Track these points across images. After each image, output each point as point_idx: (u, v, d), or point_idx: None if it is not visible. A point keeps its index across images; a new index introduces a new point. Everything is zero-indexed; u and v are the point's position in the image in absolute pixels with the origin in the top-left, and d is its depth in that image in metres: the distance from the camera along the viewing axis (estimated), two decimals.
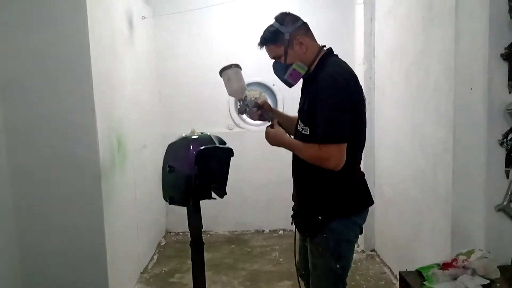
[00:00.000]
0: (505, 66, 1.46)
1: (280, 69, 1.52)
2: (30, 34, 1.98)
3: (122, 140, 2.53)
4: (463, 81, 1.63)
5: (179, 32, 3.66)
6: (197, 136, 1.72)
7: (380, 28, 2.99)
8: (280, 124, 1.59)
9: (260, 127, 3.78)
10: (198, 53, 3.66)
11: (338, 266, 1.49)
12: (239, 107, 1.68)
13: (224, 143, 1.80)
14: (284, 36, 1.46)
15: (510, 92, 1.46)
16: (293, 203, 1.61)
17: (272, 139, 1.55)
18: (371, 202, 1.57)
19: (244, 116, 3.72)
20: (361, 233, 1.55)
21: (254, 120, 1.72)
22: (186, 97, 3.72)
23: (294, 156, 1.55)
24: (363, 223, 1.56)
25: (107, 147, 2.22)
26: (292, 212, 1.61)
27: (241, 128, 3.76)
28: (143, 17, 3.24)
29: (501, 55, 1.45)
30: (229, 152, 1.78)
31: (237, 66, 1.66)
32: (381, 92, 3.02)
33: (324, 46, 1.54)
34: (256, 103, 1.64)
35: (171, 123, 3.64)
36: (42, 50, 1.99)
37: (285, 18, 1.50)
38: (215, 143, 1.73)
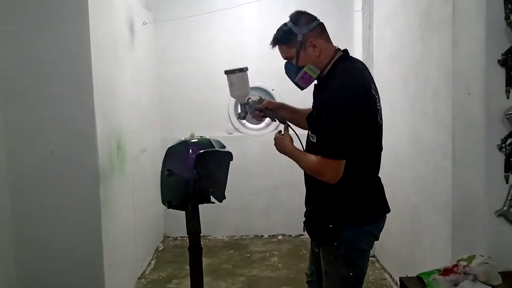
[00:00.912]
0: (502, 72, 1.47)
1: (292, 71, 1.46)
2: (31, 38, 1.98)
3: (122, 144, 2.52)
4: (461, 87, 1.64)
5: (180, 37, 3.68)
6: (196, 140, 1.72)
7: (379, 35, 3.01)
8: (284, 121, 1.58)
9: (259, 131, 3.79)
10: (198, 58, 3.68)
11: (350, 274, 1.44)
12: (239, 111, 1.67)
13: (224, 147, 1.80)
14: (297, 37, 1.40)
15: (507, 98, 1.47)
16: (305, 209, 1.58)
17: (278, 147, 1.53)
18: (386, 210, 1.51)
19: (244, 120, 3.75)
20: (376, 239, 1.51)
21: (258, 121, 1.71)
22: (185, 102, 3.74)
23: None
24: (378, 232, 1.50)
25: (106, 151, 2.22)
26: (304, 218, 1.58)
27: (241, 132, 3.76)
28: (144, 23, 3.26)
29: (498, 61, 1.46)
30: (229, 156, 1.77)
31: (241, 70, 1.60)
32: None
33: (339, 49, 1.48)
34: (257, 107, 1.62)
35: (170, 127, 3.65)
36: (43, 54, 1.99)
37: (299, 18, 1.42)
38: (214, 147, 1.73)
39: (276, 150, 1.54)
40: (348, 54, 1.47)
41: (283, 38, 1.43)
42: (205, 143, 1.72)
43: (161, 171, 1.72)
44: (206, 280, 1.96)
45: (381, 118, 1.46)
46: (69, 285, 2.08)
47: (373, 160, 1.46)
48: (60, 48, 1.99)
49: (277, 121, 1.63)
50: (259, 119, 1.68)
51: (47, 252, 2.06)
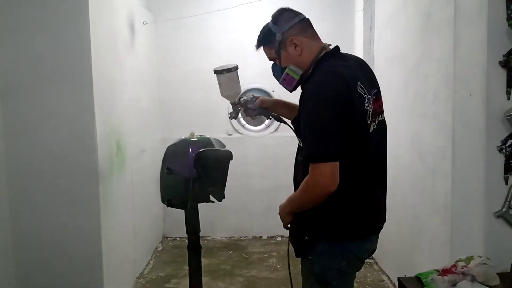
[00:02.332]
0: (503, 73, 1.47)
1: (277, 72, 1.38)
2: (31, 37, 1.99)
3: (121, 144, 2.52)
4: (462, 88, 1.65)
5: (180, 38, 3.69)
6: (196, 139, 1.72)
7: (379, 36, 3.02)
8: (280, 119, 1.54)
9: (259, 133, 3.79)
10: (199, 59, 3.68)
11: None
12: (230, 111, 1.61)
13: (224, 146, 1.80)
14: (277, 37, 1.31)
15: (508, 99, 1.47)
16: None
17: (283, 214, 1.38)
18: (373, 230, 1.33)
19: (244, 122, 3.75)
20: (361, 262, 1.34)
21: (252, 119, 1.65)
22: (185, 102, 3.73)
23: (294, 168, 1.41)
24: (362, 254, 1.32)
25: (106, 150, 2.21)
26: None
27: (240, 134, 3.76)
28: (145, 23, 3.27)
29: (499, 62, 1.46)
30: (229, 155, 1.77)
31: (229, 70, 1.56)
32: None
33: (330, 45, 1.36)
34: (249, 106, 1.56)
35: (170, 128, 3.64)
36: (43, 53, 1.99)
37: (279, 17, 1.34)
38: (214, 146, 1.73)
39: (284, 221, 1.39)
40: (338, 50, 1.35)
41: (263, 39, 1.36)
42: (205, 142, 1.72)
43: (161, 169, 1.71)
44: (204, 280, 1.95)
45: (373, 121, 1.29)
46: (68, 285, 2.07)
47: (362, 169, 1.28)
48: (61, 47, 1.99)
49: (272, 119, 1.58)
50: (253, 118, 1.61)
51: (46, 251, 2.06)
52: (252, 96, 1.59)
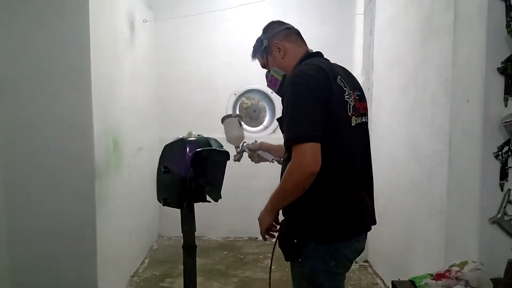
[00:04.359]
0: (501, 80, 1.47)
1: (267, 78, 1.50)
2: (30, 33, 1.98)
3: (118, 142, 2.52)
4: (460, 94, 1.65)
5: (180, 37, 3.68)
6: (194, 138, 1.72)
7: (379, 40, 3.03)
8: (281, 162, 1.54)
9: (257, 134, 3.79)
10: (199, 58, 3.68)
11: None
12: (235, 154, 1.74)
13: (221, 146, 1.80)
14: (263, 43, 1.46)
15: (506, 106, 1.48)
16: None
17: (263, 219, 1.40)
18: (362, 229, 1.35)
19: (242, 122, 3.74)
20: (350, 262, 1.35)
21: (256, 163, 1.74)
22: (184, 102, 3.73)
23: (282, 166, 1.41)
24: (352, 254, 1.34)
25: (103, 147, 2.21)
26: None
27: None
28: (145, 21, 3.26)
29: (498, 69, 1.47)
30: (226, 155, 1.77)
31: (229, 117, 1.76)
32: (378, 103, 3.04)
33: (313, 51, 1.45)
34: (249, 148, 1.70)
35: (168, 127, 3.64)
36: (42, 50, 1.99)
37: (268, 26, 1.49)
38: (211, 146, 1.73)
39: (265, 223, 1.40)
40: (319, 55, 1.43)
41: (256, 47, 1.50)
42: (202, 141, 1.72)
43: (158, 168, 1.71)
44: (199, 280, 1.95)
45: (356, 116, 1.31)
46: (62, 281, 2.06)
47: (345, 166, 1.29)
48: (60, 44, 1.99)
49: (275, 162, 1.65)
50: (257, 162, 1.72)
51: (41, 247, 2.05)
52: (255, 141, 1.74)
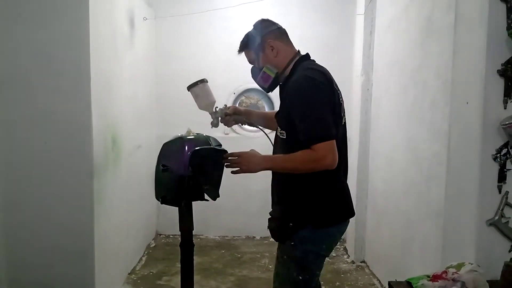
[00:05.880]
0: (501, 82, 1.47)
1: (255, 73, 1.58)
2: (29, 29, 1.97)
3: (117, 139, 2.51)
4: (460, 95, 1.65)
5: (180, 34, 3.67)
6: (192, 136, 1.71)
7: (380, 41, 3.03)
8: (252, 124, 1.68)
9: (256, 133, 3.78)
10: (198, 56, 3.67)
11: (300, 278, 1.43)
12: (211, 120, 1.76)
13: (220, 145, 1.79)
14: (256, 40, 1.52)
15: (505, 108, 1.48)
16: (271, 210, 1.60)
17: (248, 165, 1.45)
18: (351, 214, 1.52)
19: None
20: (335, 243, 1.52)
21: (230, 126, 1.79)
22: (183, 100, 3.67)
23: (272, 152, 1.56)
24: (340, 235, 1.53)
25: (102, 145, 2.20)
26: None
27: (237, 133, 3.76)
28: (145, 18, 3.26)
29: (498, 71, 1.47)
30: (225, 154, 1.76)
31: (203, 81, 1.76)
32: (377, 104, 3.04)
33: (302, 52, 1.56)
34: (225, 113, 1.73)
35: (167, 125, 3.63)
36: (41, 46, 1.98)
37: (260, 24, 1.55)
38: (210, 144, 1.73)
39: (251, 171, 1.46)
40: (309, 56, 1.55)
41: (246, 43, 1.57)
42: (201, 140, 1.71)
43: (156, 166, 1.71)
44: (196, 278, 1.95)
45: (343, 116, 1.49)
46: (59, 278, 2.06)
47: (340, 161, 1.41)
48: (59, 41, 1.98)
49: (245, 125, 1.70)
50: (230, 125, 1.78)
51: (39, 244, 2.05)
52: (225, 105, 1.78)
